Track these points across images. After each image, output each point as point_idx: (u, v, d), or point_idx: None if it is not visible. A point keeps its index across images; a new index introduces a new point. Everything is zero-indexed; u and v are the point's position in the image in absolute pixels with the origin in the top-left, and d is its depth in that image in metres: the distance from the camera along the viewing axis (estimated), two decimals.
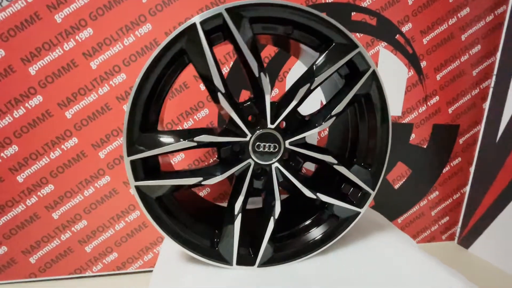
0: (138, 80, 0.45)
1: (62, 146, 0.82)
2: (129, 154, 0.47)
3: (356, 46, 0.51)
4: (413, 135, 1.05)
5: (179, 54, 0.47)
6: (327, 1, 0.89)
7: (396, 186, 1.08)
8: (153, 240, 0.93)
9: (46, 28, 0.76)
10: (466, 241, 1.16)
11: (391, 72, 0.98)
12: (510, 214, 0.99)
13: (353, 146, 0.63)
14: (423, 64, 0.99)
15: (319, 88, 0.55)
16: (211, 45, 0.46)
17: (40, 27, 0.76)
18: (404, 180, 1.08)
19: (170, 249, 0.62)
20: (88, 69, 0.80)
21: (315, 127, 0.53)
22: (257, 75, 0.48)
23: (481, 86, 1.06)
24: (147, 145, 0.48)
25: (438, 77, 1.02)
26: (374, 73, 0.53)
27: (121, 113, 0.84)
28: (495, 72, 1.04)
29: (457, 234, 1.19)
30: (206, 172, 0.52)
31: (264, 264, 0.57)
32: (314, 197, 0.55)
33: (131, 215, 0.90)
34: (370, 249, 0.62)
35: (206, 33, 0.46)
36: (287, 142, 0.54)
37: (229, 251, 0.55)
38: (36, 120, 0.80)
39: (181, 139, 0.48)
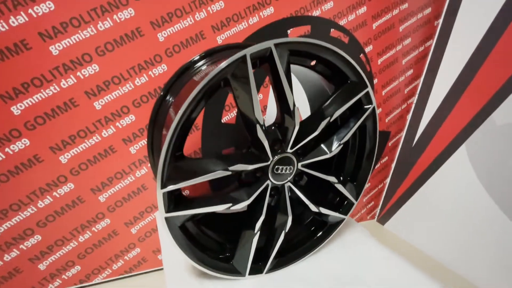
0: (182, 109, 0.41)
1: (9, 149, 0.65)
2: (163, 186, 0.44)
3: (366, 86, 0.59)
4: None
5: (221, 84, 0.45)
6: (313, 14, 0.93)
7: None
8: (124, 247, 0.86)
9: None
10: (383, 219, 1.50)
11: None
12: (415, 201, 1.34)
13: (341, 161, 0.74)
14: (375, 81, 1.17)
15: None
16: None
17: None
18: None
19: (175, 266, 0.61)
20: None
21: (326, 153, 0.60)
22: (291, 108, 0.51)
23: (408, 101, 1.33)
24: (182, 176, 0.45)
25: (383, 92, 1.23)
26: (374, 110, 0.63)
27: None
28: (418, 91, 1.33)
29: (377, 215, 1.53)
30: (234, 197, 0.53)
31: (269, 270, 0.63)
32: (317, 211, 0.64)
33: (98, 224, 0.80)
34: (347, 246, 0.77)
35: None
36: (299, 164, 0.60)
37: (243, 265, 0.59)
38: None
39: (218, 168, 0.47)
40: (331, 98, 0.57)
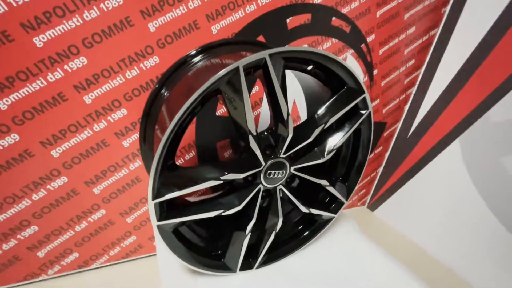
0: (174, 122, 0.40)
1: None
2: (154, 198, 0.44)
3: (363, 92, 0.58)
4: None
5: (213, 94, 0.44)
6: (314, 2, 0.88)
7: None
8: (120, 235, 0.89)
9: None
10: (373, 206, 1.55)
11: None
12: (405, 190, 1.38)
13: (334, 161, 0.74)
14: (375, 72, 1.14)
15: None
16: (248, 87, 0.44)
17: None
18: None
19: (169, 263, 0.64)
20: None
21: (319, 158, 0.60)
22: (285, 117, 0.50)
23: (406, 92, 1.31)
24: (175, 185, 0.45)
25: (382, 83, 1.20)
26: (369, 115, 0.62)
27: None
28: (418, 82, 1.30)
29: (367, 201, 1.58)
30: (225, 203, 0.54)
31: (259, 266, 0.66)
32: (308, 211, 0.66)
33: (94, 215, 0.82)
34: (336, 240, 0.80)
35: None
36: (292, 168, 0.60)
37: (234, 263, 0.61)
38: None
39: (209, 178, 0.48)
40: (326, 105, 0.56)
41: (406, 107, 1.34)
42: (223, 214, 0.53)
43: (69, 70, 0.64)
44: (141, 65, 0.71)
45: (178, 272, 0.61)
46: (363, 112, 0.61)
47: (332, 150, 0.60)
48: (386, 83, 1.21)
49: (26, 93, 0.62)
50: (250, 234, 0.59)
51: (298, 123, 0.58)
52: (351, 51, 1.04)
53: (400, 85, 1.26)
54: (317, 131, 0.55)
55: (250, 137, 0.48)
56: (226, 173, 0.49)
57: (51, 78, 0.63)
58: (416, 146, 1.32)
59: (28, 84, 0.62)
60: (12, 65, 0.59)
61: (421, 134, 1.30)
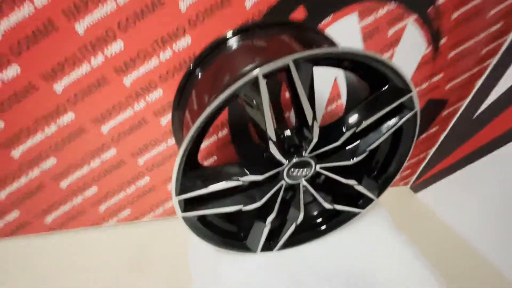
0: (194, 128, 0.41)
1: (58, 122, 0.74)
2: (177, 194, 0.48)
3: (410, 91, 0.49)
4: None
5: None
6: None
7: None
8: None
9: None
10: (417, 188, 1.45)
11: (409, 50, 0.93)
12: (456, 178, 1.24)
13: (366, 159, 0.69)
14: (442, 41, 0.95)
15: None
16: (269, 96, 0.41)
17: None
18: None
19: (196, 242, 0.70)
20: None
21: (349, 160, 0.56)
22: (310, 123, 0.46)
23: (483, 64, 1.08)
24: (195, 185, 0.48)
25: (450, 55, 1.00)
26: (415, 115, 0.54)
27: None
28: (500, 52, 1.05)
29: (411, 182, 1.47)
30: (245, 198, 0.55)
31: (279, 249, 0.70)
32: (331, 207, 0.65)
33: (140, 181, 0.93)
34: (363, 231, 0.78)
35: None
36: (318, 166, 0.58)
37: (254, 245, 0.66)
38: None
39: (228, 179, 0.49)
40: (361, 104, 0.50)
41: (479, 82, 1.12)
42: (243, 209, 0.55)
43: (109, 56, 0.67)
44: (174, 46, 0.71)
45: (204, 251, 0.69)
46: (407, 111, 0.53)
47: (364, 152, 0.55)
48: (455, 54, 1.00)
49: (75, 77, 0.68)
50: (270, 224, 0.61)
51: (326, 125, 0.54)
52: (414, 16, 0.86)
53: (475, 56, 1.04)
54: (347, 135, 0.51)
55: (270, 143, 0.46)
56: (246, 174, 0.49)
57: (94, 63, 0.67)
58: (482, 130, 1.13)
59: (76, 68, 0.67)
60: (61, 53, 0.64)
61: (491, 116, 1.10)
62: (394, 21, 0.85)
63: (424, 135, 1.26)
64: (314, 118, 0.46)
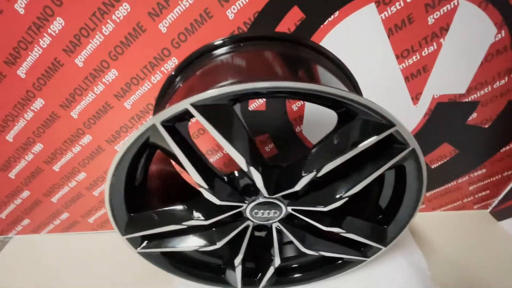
0: (109, 175, 0.39)
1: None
2: (123, 234, 0.47)
3: (392, 125, 0.35)
4: (474, 114, 0.83)
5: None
6: None
7: (434, 166, 0.96)
8: None
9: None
10: (500, 214, 1.09)
11: (468, 38, 0.68)
12: None
13: (367, 195, 0.54)
14: None
15: None
16: (182, 139, 0.35)
17: None
18: (445, 160, 0.94)
19: None
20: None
21: (322, 206, 0.44)
22: (245, 169, 0.38)
23: None
24: (138, 227, 0.46)
25: None
26: (413, 152, 0.38)
27: None
28: None
29: (493, 205, 1.11)
30: (204, 238, 0.51)
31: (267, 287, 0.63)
32: (316, 254, 0.53)
33: None
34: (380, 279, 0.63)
35: (171, 127, 0.34)
36: (289, 208, 0.48)
37: (234, 282, 0.60)
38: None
39: (170, 223, 0.45)
40: (326, 140, 0.38)
41: None
42: (200, 249, 0.51)
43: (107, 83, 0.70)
44: (162, 68, 0.70)
45: None
46: (400, 147, 0.38)
47: (341, 198, 0.43)
48: None
49: (85, 104, 0.74)
50: (240, 266, 0.55)
51: (289, 163, 0.43)
52: None
53: None
54: (305, 181, 0.39)
55: (203, 191, 0.40)
56: (190, 218, 0.45)
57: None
58: None
59: (83, 98, 0.73)
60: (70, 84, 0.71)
61: None
62: (434, 3, 0.63)
63: (507, 148, 0.92)
64: (250, 163, 0.37)
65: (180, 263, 0.59)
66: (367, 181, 0.40)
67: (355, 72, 0.71)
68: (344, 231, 0.48)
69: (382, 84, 0.75)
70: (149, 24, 0.64)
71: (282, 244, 0.59)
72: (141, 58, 0.68)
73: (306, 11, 0.63)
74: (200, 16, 0.63)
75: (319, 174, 0.39)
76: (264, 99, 0.76)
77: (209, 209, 0.46)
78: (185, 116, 0.34)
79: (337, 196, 0.43)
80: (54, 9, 0.61)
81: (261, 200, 0.46)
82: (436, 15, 0.64)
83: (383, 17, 0.64)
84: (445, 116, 0.82)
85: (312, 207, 0.45)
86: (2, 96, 0.74)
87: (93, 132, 0.81)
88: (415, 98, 0.78)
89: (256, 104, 0.77)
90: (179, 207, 0.46)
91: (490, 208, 1.13)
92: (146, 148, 0.40)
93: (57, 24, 0.63)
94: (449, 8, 0.63)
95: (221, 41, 0.55)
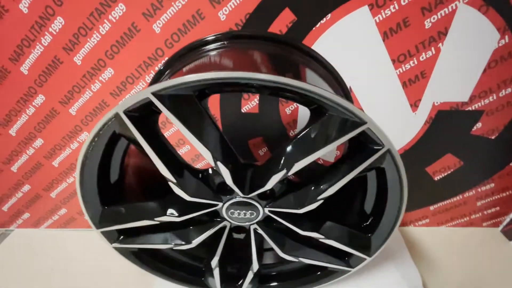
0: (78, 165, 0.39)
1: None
2: (97, 227, 0.47)
3: (363, 122, 0.33)
4: (479, 124, 0.79)
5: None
6: None
7: (437, 178, 0.91)
8: None
9: None
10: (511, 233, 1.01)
11: (468, 43, 0.65)
12: None
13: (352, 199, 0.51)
14: None
15: None
16: (151, 131, 0.35)
17: None
18: (449, 172, 0.90)
19: None
20: None
21: (297, 208, 0.42)
22: (212, 164, 0.37)
23: None
24: (110, 220, 0.46)
25: None
26: (389, 153, 0.36)
27: None
28: None
29: (504, 223, 1.04)
30: (180, 236, 0.50)
31: None
32: (295, 260, 0.51)
33: None
34: None
35: (137, 118, 0.34)
36: (266, 209, 0.46)
37: (213, 285, 0.59)
38: None
39: (143, 218, 0.45)
40: (294, 139, 0.37)
41: None
42: (174, 248, 0.50)
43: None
44: (156, 68, 0.71)
45: None
46: (375, 148, 0.36)
47: (315, 200, 0.41)
48: None
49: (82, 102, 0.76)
50: (218, 268, 0.53)
51: (265, 162, 0.42)
52: None
53: None
54: (276, 179, 0.38)
55: (172, 185, 0.39)
56: (163, 213, 0.44)
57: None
58: None
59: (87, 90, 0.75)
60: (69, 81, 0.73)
61: None
62: (431, 7, 0.61)
63: None
64: (217, 158, 0.36)
65: (161, 263, 0.58)
66: (341, 182, 0.38)
67: (350, 76, 0.70)
68: (322, 236, 0.46)
69: (378, 89, 0.72)
70: (143, 24, 0.65)
71: (264, 250, 0.57)
72: (136, 57, 0.70)
73: (297, 13, 0.62)
74: (193, 17, 0.64)
75: (290, 173, 0.37)
76: (257, 102, 0.76)
77: (183, 206, 0.45)
78: (152, 107, 0.34)
79: (311, 199, 0.41)
80: (55, 8, 0.64)
81: (236, 199, 0.45)
82: (433, 18, 0.62)
83: (377, 20, 0.63)
84: (447, 125, 0.78)
85: (287, 208, 0.44)
86: (6, 92, 0.77)
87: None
88: (414, 105, 0.75)
89: (248, 107, 0.77)
90: (153, 202, 0.45)
91: (501, 227, 1.05)
92: (117, 141, 0.40)
93: (57, 23, 0.66)
94: (446, 12, 0.61)
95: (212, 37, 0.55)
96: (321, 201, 0.41)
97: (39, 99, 0.78)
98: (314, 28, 0.64)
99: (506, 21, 0.62)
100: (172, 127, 0.78)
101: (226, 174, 0.38)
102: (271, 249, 0.54)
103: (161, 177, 0.41)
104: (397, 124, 0.78)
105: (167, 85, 0.30)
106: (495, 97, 0.73)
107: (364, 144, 0.37)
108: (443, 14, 0.62)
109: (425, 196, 0.96)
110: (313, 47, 0.66)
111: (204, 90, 0.35)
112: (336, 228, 0.48)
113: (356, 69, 0.69)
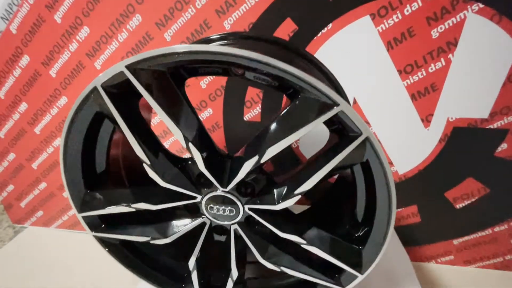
0: (62, 141, 0.41)
1: None
2: (79, 211, 0.47)
3: (336, 104, 0.31)
4: (504, 145, 0.71)
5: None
6: None
7: (459, 206, 0.82)
8: None
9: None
10: None
11: (482, 54, 0.61)
12: None
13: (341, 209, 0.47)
14: None
15: None
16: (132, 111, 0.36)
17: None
18: (473, 199, 0.80)
19: None
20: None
21: (273, 203, 0.40)
22: (184, 145, 0.36)
23: None
24: (91, 205, 0.46)
25: None
26: (369, 142, 0.33)
27: None
28: None
29: None
30: (158, 230, 0.48)
31: None
32: (277, 269, 0.46)
33: None
34: None
35: (116, 95, 0.35)
36: (246, 207, 0.44)
37: None
38: None
39: (120, 203, 0.44)
40: (271, 124, 0.36)
41: None
42: (150, 242, 0.48)
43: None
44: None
45: None
46: (353, 136, 0.33)
47: (293, 195, 0.38)
48: None
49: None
50: (195, 271, 0.50)
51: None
52: (477, 5, 0.57)
53: None
54: (248, 165, 0.36)
55: (146, 167, 0.39)
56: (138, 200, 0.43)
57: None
58: None
59: None
60: None
61: None
62: (436, 16, 0.59)
63: None
64: (189, 139, 0.36)
65: (142, 262, 0.56)
66: (318, 175, 0.35)
67: (354, 86, 0.68)
68: (304, 241, 0.42)
69: (385, 101, 0.69)
70: (156, 33, 0.71)
71: (249, 263, 0.53)
72: None
73: (298, 23, 0.64)
74: (200, 27, 0.68)
75: (263, 160, 0.36)
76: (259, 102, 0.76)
77: (160, 196, 0.44)
78: (133, 88, 0.35)
79: (289, 194, 0.38)
80: None
81: (215, 193, 0.43)
82: (441, 28, 0.60)
83: (380, 30, 0.62)
84: (466, 144, 0.72)
85: (264, 205, 0.41)
86: None
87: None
88: (426, 120, 0.70)
89: (250, 115, 0.77)
90: (132, 188, 0.45)
91: None
92: (101, 124, 0.41)
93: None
94: (455, 22, 0.59)
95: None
96: (299, 196, 0.37)
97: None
98: (315, 38, 0.65)
99: None
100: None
101: (198, 158, 0.37)
102: (257, 262, 0.50)
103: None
104: (409, 139, 0.73)
105: (140, 58, 0.31)
106: None
107: (345, 135, 0.34)
108: (450, 24, 0.59)
109: (446, 227, 0.86)
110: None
111: (179, 70, 0.36)
112: (322, 235, 0.43)
113: (360, 80, 0.68)
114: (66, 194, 0.45)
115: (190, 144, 0.36)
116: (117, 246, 0.53)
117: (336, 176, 0.58)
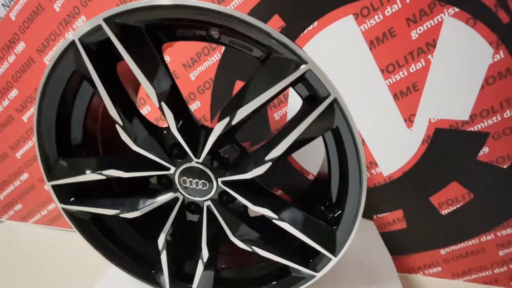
0: (36, 105, 0.41)
1: None
2: (48, 180, 0.46)
3: (304, 62, 0.32)
4: (485, 149, 0.71)
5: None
6: None
7: (444, 212, 0.80)
8: None
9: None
10: None
11: (459, 56, 0.64)
12: None
13: (317, 186, 0.46)
14: None
15: None
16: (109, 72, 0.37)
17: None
18: (458, 205, 0.79)
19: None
20: None
21: (244, 172, 0.39)
22: (156, 104, 0.37)
23: None
24: (61, 173, 0.45)
25: None
26: (337, 104, 0.33)
27: None
28: None
29: None
30: (129, 203, 0.47)
31: None
32: (249, 249, 0.45)
33: None
34: None
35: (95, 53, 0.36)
36: (219, 180, 0.43)
37: (163, 279, 0.52)
38: None
39: (91, 171, 0.44)
40: (243, 87, 0.36)
41: None
42: (121, 215, 0.46)
43: None
44: None
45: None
46: (322, 98, 0.34)
47: (263, 162, 0.37)
48: None
49: None
50: (165, 251, 0.48)
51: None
52: (452, 9, 0.60)
53: None
54: (220, 127, 0.36)
55: (118, 128, 0.39)
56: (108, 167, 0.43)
57: None
58: None
59: None
60: None
61: None
62: (415, 18, 0.62)
63: None
64: (162, 98, 0.36)
65: (113, 243, 0.54)
66: (288, 140, 0.35)
67: (337, 83, 0.70)
68: (275, 216, 0.41)
69: (368, 99, 0.71)
70: None
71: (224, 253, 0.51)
72: None
73: (286, 20, 0.67)
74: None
75: (234, 122, 0.36)
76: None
77: (133, 164, 0.44)
78: (113, 49, 0.36)
79: (260, 161, 0.38)
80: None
81: (188, 165, 0.43)
82: (420, 30, 0.63)
83: (363, 29, 0.65)
84: (448, 147, 0.72)
85: (236, 174, 0.40)
86: None
87: None
88: (408, 120, 0.71)
89: None
90: (105, 156, 0.44)
91: None
92: (77, 88, 0.42)
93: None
94: (432, 24, 0.62)
95: None
96: (269, 163, 0.37)
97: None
98: (301, 35, 0.68)
99: (498, 35, 0.61)
100: None
101: (170, 118, 0.37)
102: (233, 252, 0.49)
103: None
104: (392, 140, 0.74)
105: (119, 10, 0.32)
106: (499, 118, 0.68)
107: (315, 101, 0.35)
108: (429, 26, 0.63)
109: (432, 234, 0.84)
110: None
111: (158, 33, 0.37)
112: (295, 212, 0.42)
113: (344, 77, 0.70)
114: (39, 161, 0.45)
115: (162, 103, 0.36)
116: (87, 223, 0.51)
117: (315, 174, 0.58)
